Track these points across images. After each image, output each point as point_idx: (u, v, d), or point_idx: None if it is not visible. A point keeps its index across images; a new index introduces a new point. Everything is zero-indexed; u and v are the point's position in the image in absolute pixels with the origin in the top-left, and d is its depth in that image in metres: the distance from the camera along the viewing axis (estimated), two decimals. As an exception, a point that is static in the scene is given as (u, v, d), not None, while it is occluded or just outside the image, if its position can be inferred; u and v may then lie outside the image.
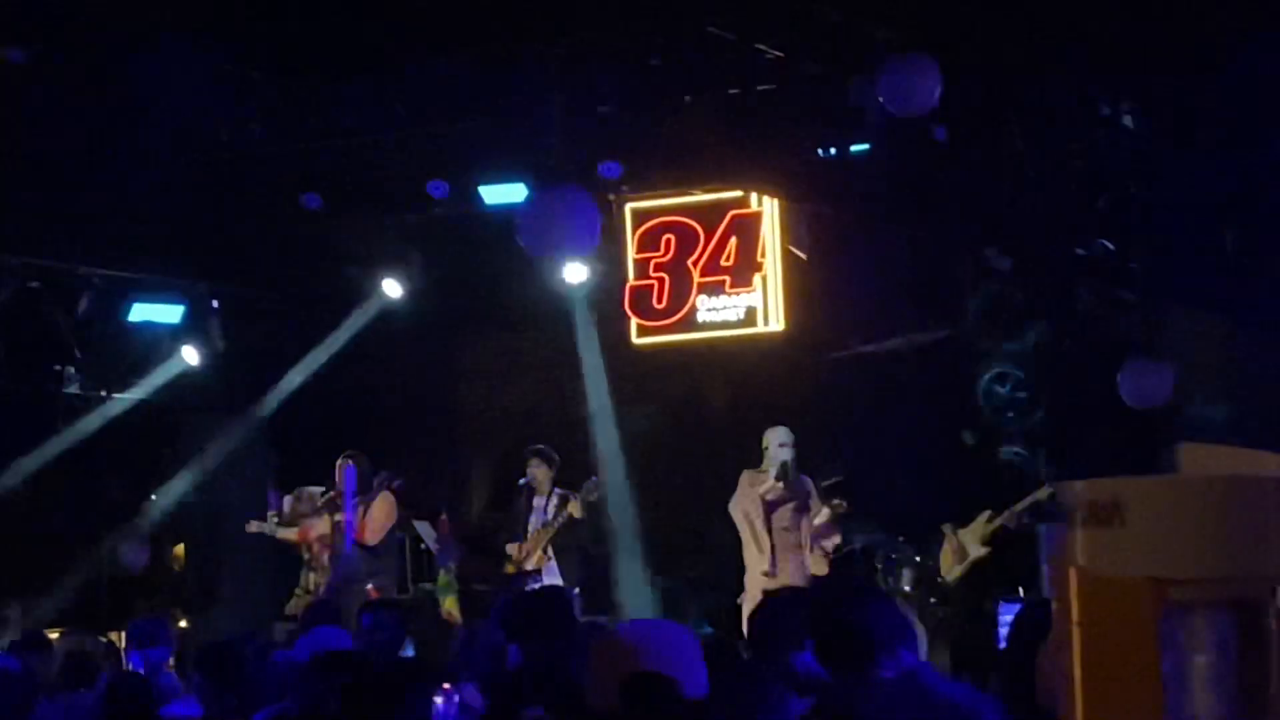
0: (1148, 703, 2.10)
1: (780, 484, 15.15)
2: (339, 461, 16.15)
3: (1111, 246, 16.11)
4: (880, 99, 12.09)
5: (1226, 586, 2.09)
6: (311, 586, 16.30)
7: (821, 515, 15.37)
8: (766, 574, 14.95)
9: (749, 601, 14.43)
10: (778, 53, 13.18)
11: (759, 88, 13.76)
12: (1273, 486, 2.13)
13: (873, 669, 5.65)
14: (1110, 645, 2.13)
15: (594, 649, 5.83)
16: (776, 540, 15.14)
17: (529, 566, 16.15)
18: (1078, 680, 2.17)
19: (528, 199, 13.97)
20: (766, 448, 15.33)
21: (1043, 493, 15.26)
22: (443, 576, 17.01)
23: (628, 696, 5.49)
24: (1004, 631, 13.51)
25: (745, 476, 15.38)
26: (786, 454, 15.19)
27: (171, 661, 12.16)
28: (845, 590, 7.36)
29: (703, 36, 12.85)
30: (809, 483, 15.44)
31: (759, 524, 15.19)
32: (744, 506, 15.29)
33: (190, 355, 17.84)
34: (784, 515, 15.21)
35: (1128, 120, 14.74)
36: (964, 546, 15.75)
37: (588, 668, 5.71)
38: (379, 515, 16.19)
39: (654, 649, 5.75)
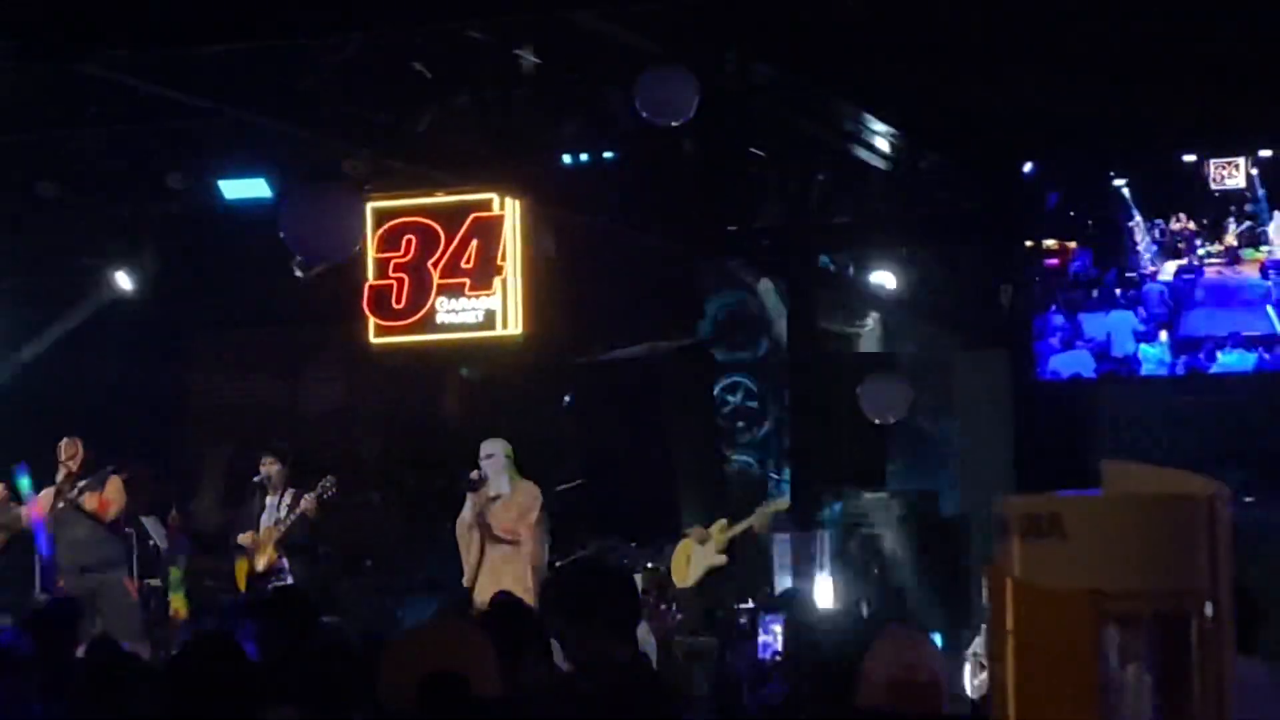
0: (1082, 713, 2.18)
1: (471, 509, 14.33)
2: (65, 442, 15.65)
3: (849, 262, 16.47)
4: (638, 108, 12.18)
5: (1160, 599, 2.19)
6: None
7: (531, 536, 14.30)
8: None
9: None
10: (535, 59, 13.22)
11: (513, 92, 13.78)
12: (1203, 506, 2.25)
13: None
14: (1046, 655, 2.21)
15: (387, 650, 5.89)
16: (488, 563, 14.28)
17: (260, 566, 15.96)
18: (1011, 690, 2.25)
19: (290, 198, 13.78)
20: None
21: (781, 503, 15.45)
22: (173, 573, 16.75)
23: (423, 696, 5.53)
24: (764, 641, 13.37)
25: None
26: (486, 466, 14.28)
27: None
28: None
29: (461, 40, 12.82)
30: (529, 491, 14.37)
31: (463, 549, 14.52)
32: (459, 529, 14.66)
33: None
34: (494, 536, 14.32)
35: (872, 137, 15.05)
36: (699, 553, 15.84)
37: (380, 669, 5.72)
38: (116, 496, 15.78)
39: (448, 649, 5.81)
